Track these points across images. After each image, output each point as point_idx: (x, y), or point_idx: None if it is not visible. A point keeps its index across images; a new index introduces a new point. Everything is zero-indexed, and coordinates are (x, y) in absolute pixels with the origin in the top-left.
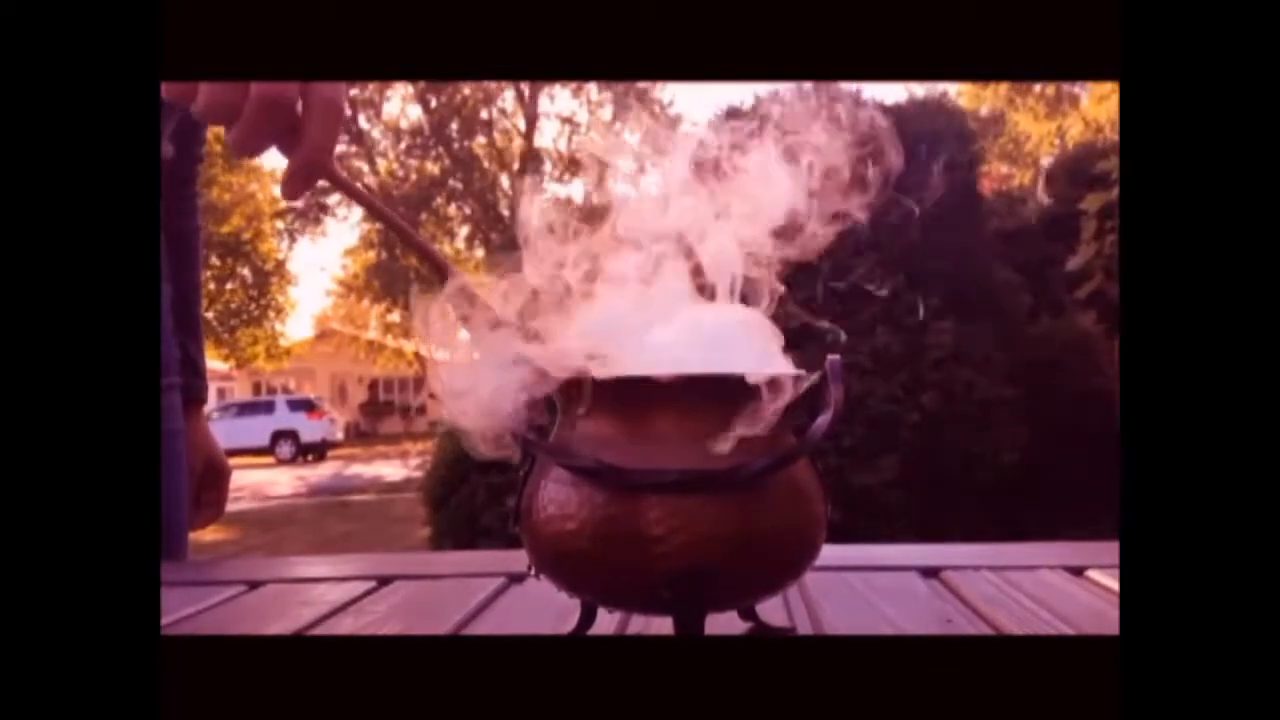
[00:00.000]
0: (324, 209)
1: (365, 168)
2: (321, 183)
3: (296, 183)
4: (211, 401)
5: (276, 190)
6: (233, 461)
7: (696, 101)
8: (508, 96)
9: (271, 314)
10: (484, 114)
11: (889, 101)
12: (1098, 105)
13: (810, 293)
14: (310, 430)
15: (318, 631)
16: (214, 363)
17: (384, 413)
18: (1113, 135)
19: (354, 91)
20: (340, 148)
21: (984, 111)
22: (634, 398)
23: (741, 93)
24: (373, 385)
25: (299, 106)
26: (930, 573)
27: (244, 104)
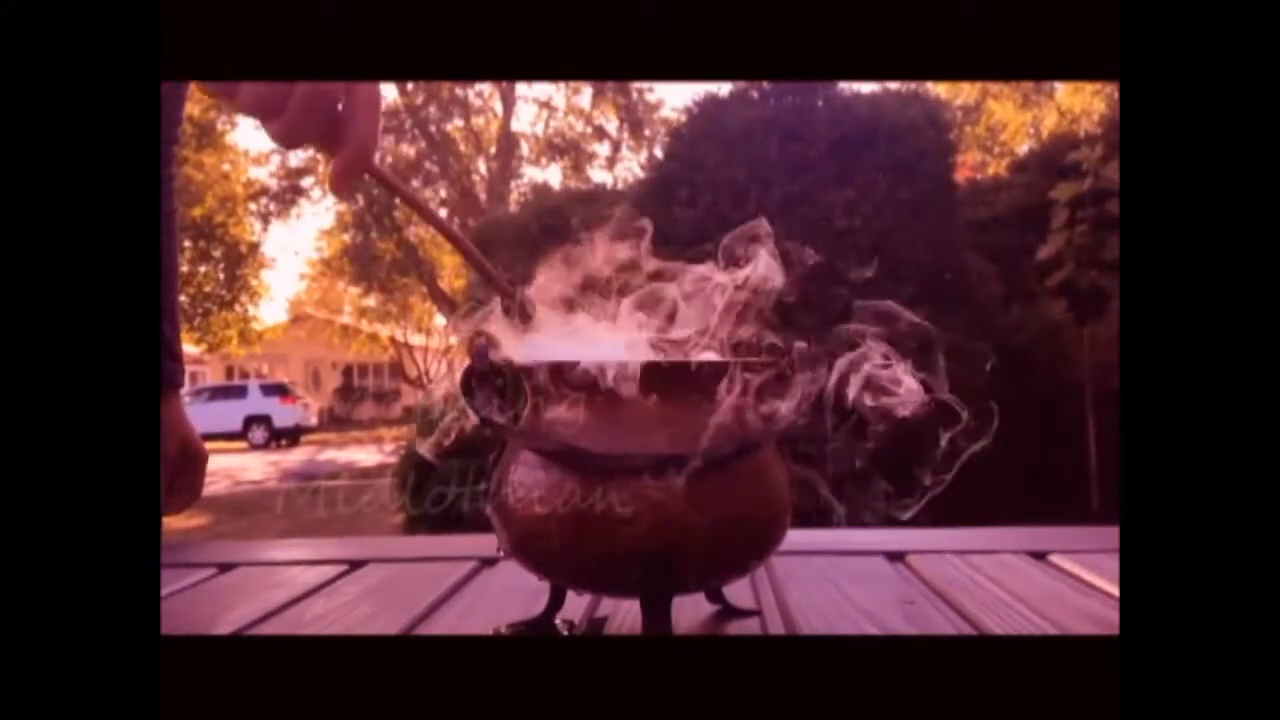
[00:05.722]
0: (298, 191)
1: (378, 165)
2: (295, 163)
3: (342, 179)
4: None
5: (252, 171)
6: (205, 446)
7: (675, 87)
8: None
9: (245, 298)
10: (459, 92)
11: (865, 90)
12: (1072, 95)
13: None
14: (283, 415)
15: (289, 614)
16: (186, 347)
17: (358, 398)
18: (1086, 125)
19: None
20: None
21: (960, 101)
22: (604, 383)
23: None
24: (347, 371)
25: (341, 103)
26: (895, 557)
27: (288, 99)
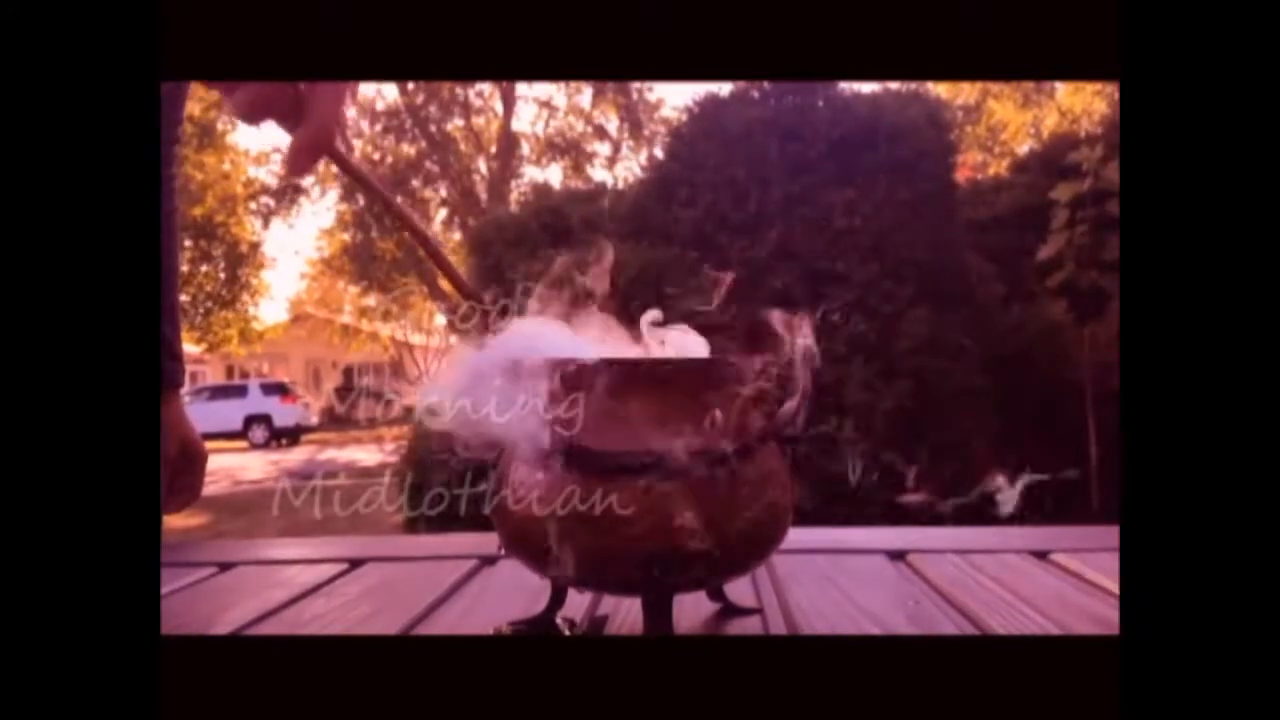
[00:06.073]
0: (299, 190)
1: (340, 148)
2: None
3: (300, 159)
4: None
5: (252, 170)
6: (205, 446)
7: (675, 87)
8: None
9: (245, 297)
10: (459, 92)
11: (865, 90)
12: (1073, 95)
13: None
14: (283, 415)
15: (289, 613)
16: (187, 346)
17: (357, 398)
18: (1087, 125)
19: None
20: None
21: (960, 101)
22: (605, 381)
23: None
24: (347, 370)
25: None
26: (897, 556)
27: None
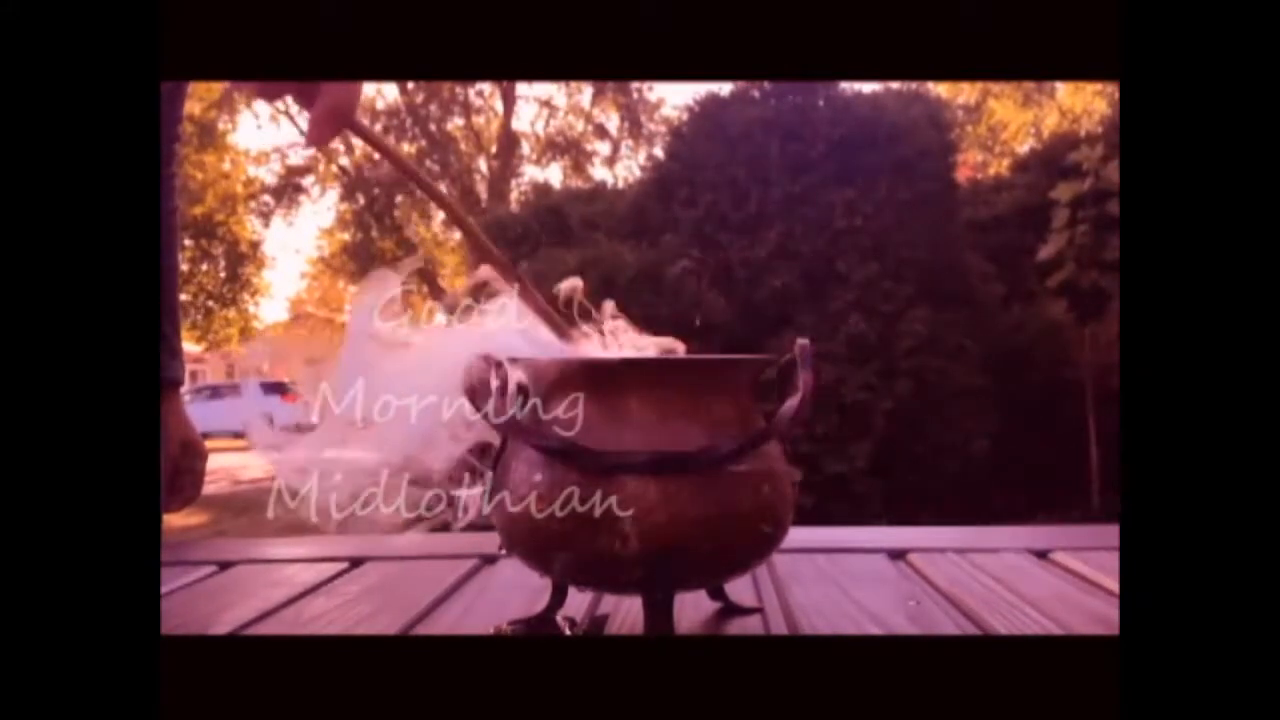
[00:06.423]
0: (299, 189)
1: (340, 147)
2: (295, 162)
3: (320, 129)
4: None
5: (252, 170)
6: (205, 444)
7: (675, 86)
8: None
9: (245, 296)
10: (459, 91)
11: (866, 90)
12: (1073, 95)
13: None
14: (284, 413)
15: (288, 612)
16: (187, 345)
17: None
18: (1087, 125)
19: None
20: None
21: (961, 100)
22: (605, 380)
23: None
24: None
25: None
26: (897, 555)
27: None
